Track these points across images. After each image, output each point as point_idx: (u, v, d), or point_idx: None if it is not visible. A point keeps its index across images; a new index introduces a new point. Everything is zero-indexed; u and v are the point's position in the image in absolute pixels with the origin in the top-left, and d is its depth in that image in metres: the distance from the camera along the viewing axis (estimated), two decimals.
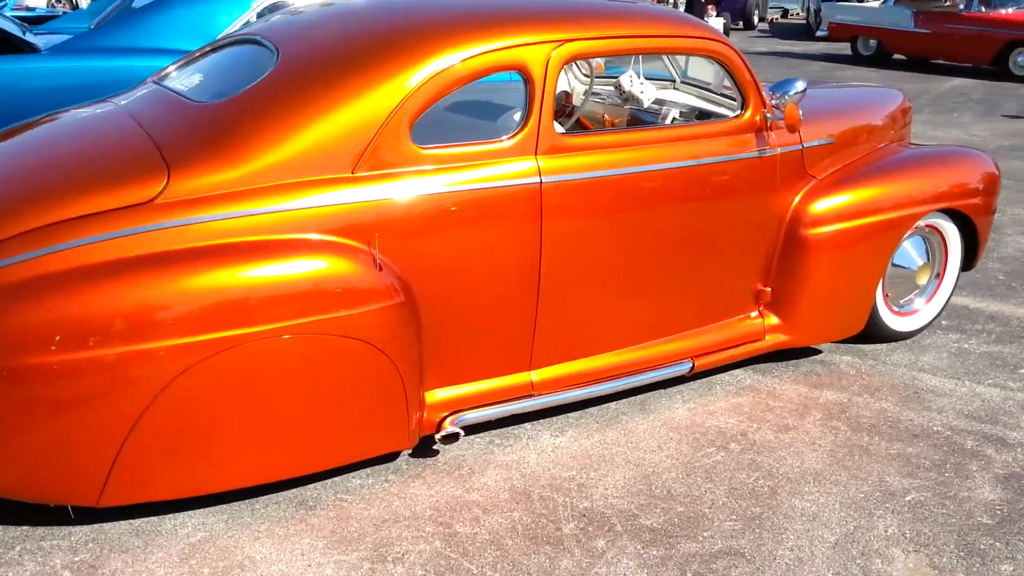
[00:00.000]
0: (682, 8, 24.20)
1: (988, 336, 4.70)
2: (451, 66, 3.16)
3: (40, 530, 2.92)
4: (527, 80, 3.31)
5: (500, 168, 3.26)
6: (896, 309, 4.56)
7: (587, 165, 3.42)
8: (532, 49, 3.30)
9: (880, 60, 18.20)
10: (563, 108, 4.55)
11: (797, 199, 4.09)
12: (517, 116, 3.36)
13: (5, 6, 9.59)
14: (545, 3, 3.67)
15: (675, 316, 3.88)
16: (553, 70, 3.34)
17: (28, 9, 10.01)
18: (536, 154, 3.32)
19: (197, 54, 3.90)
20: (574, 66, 4.78)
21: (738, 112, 3.90)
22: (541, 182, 3.31)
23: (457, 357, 3.37)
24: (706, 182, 3.77)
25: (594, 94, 4.76)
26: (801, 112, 4.11)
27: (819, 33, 20.68)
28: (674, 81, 4.73)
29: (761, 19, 26.88)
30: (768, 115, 3.91)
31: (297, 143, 3.02)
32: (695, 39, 3.74)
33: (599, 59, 4.90)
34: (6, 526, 2.93)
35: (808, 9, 25.62)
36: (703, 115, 4.32)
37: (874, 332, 4.50)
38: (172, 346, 2.76)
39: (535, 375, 3.54)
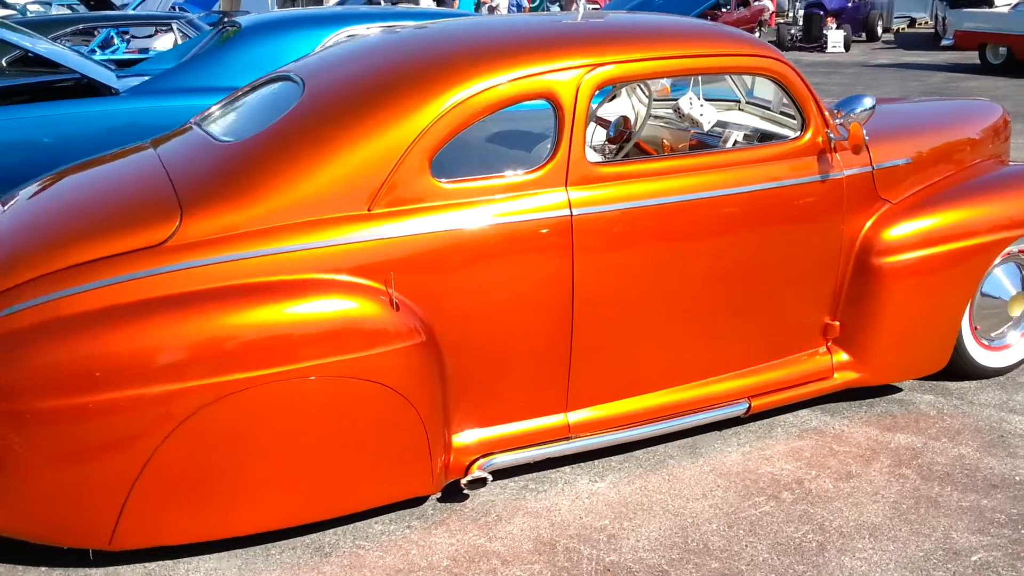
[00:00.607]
0: (800, 21, 23.53)
1: None
2: (471, 97, 3.04)
3: (57, 571, 2.92)
4: (556, 108, 3.16)
5: (526, 202, 3.12)
6: (986, 343, 4.19)
7: (624, 196, 3.24)
8: (560, 75, 3.15)
9: (1011, 69, 17.17)
10: (622, 133, 4.37)
11: (868, 225, 3.79)
12: (548, 146, 3.21)
13: (117, 49, 10.04)
14: (578, 26, 3.53)
15: (730, 353, 3.64)
16: (584, 96, 3.18)
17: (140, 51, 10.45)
18: (566, 185, 3.17)
19: (239, 93, 3.91)
20: (637, 89, 4.60)
21: (798, 133, 3.65)
22: (572, 215, 3.15)
23: (486, 399, 3.23)
24: (761, 209, 3.53)
25: (657, 118, 4.56)
26: (873, 130, 3.84)
27: (944, 42, 19.72)
28: (739, 102, 4.48)
29: (886, 29, 25.83)
30: (831, 135, 3.64)
31: (312, 181, 2.95)
32: (744, 56, 3.52)
33: (664, 81, 4.70)
34: (26, 567, 2.94)
35: (936, 17, 24.53)
36: (767, 137, 4.07)
37: (961, 368, 4.14)
38: (180, 389, 2.72)
39: (572, 417, 3.37)
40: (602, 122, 4.56)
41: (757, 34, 24.92)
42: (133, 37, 11.32)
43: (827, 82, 16.04)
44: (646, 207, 3.28)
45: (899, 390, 4.10)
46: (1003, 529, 3.07)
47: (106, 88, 5.50)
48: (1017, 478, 3.38)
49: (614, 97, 4.77)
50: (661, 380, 3.52)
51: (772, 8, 27.68)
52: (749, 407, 3.64)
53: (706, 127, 4.18)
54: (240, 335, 2.76)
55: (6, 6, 23.04)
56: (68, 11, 19.43)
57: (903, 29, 27.20)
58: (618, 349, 3.37)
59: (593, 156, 3.36)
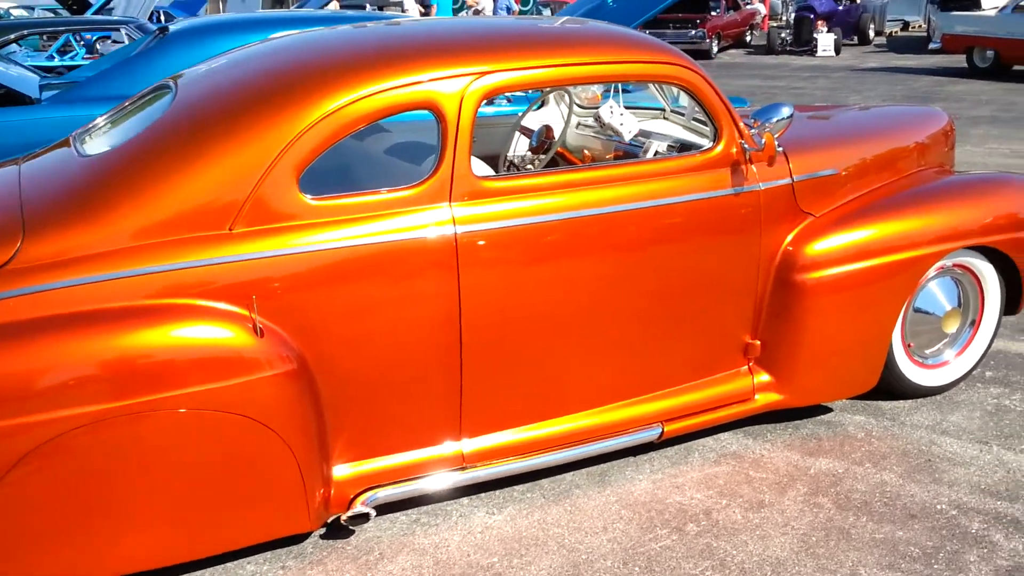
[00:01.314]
0: (791, 25, 23.32)
1: None
2: (343, 107, 2.86)
3: None
4: (439, 119, 2.98)
5: (405, 219, 2.93)
6: (920, 361, 4.00)
7: (514, 212, 3.06)
8: (443, 84, 2.97)
9: (998, 73, 17.00)
10: (543, 143, 4.19)
11: (789, 239, 3.61)
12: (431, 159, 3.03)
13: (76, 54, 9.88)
14: (466, 32, 3.35)
15: (641, 375, 3.46)
16: (470, 106, 3.00)
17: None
18: (450, 201, 2.99)
19: (124, 104, 3.73)
20: (565, 96, 4.41)
21: (709, 145, 3.46)
22: (456, 233, 2.97)
23: (370, 428, 3.05)
24: (669, 224, 3.35)
25: (587, 127, 4.38)
26: (798, 140, 3.68)
27: (932, 46, 19.52)
28: (663, 110, 4.30)
29: (878, 33, 25.64)
30: (746, 146, 3.46)
31: (169, 199, 2.77)
32: (648, 64, 3.33)
33: (595, 88, 4.52)
34: None
35: (929, 20, 24.35)
36: (690, 148, 3.89)
37: (895, 388, 3.95)
38: (20, 424, 2.53)
39: (467, 446, 3.18)
40: (525, 131, 4.38)
41: (749, 38, 24.78)
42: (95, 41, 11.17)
43: (811, 87, 15.87)
44: (538, 224, 3.10)
45: (829, 410, 3.91)
46: (915, 564, 2.88)
47: (25, 97, 5.33)
48: (938, 506, 3.19)
49: (543, 104, 4.59)
50: (566, 405, 3.34)
51: (765, 12, 27.48)
52: (662, 432, 3.46)
53: (627, 137, 4.00)
54: (83, 365, 2.57)
55: None
56: (52, 15, 19.25)
57: (896, 32, 27.03)
58: (515, 373, 3.19)
59: (483, 170, 3.17)
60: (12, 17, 23.56)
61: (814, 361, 3.66)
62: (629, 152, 3.98)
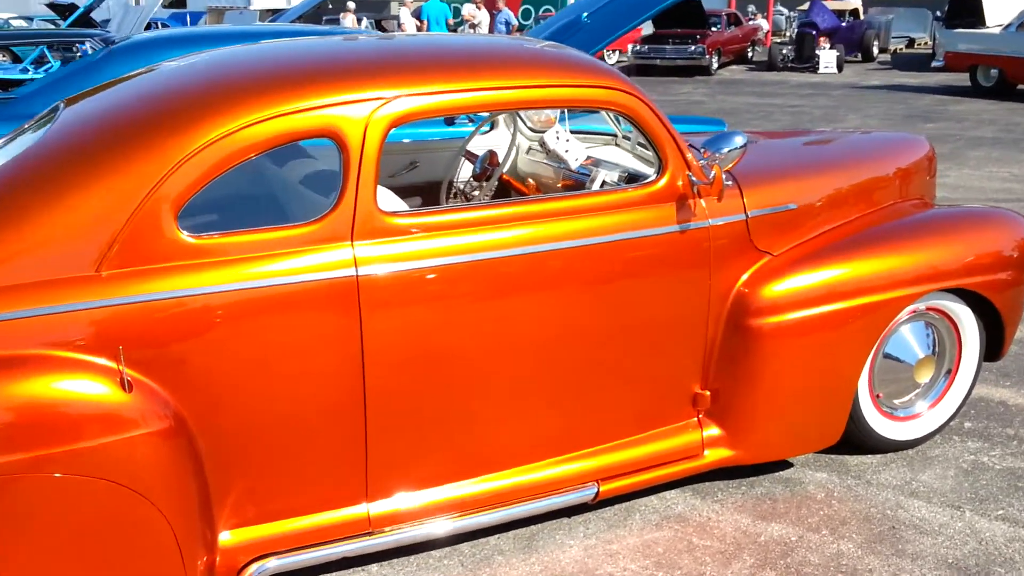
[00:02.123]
0: (792, 41, 23.03)
1: (1019, 445, 3.74)
2: (228, 135, 2.56)
3: None
4: (341, 148, 2.68)
5: (300, 260, 2.63)
6: (890, 412, 3.67)
7: (426, 252, 2.76)
8: (345, 110, 2.67)
9: (1002, 92, 16.65)
10: (486, 170, 3.89)
11: (742, 280, 3.30)
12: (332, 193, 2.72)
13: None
14: (378, 53, 3.06)
15: (574, 429, 3.14)
16: (376, 134, 2.69)
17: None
18: (352, 240, 2.68)
19: (25, 126, 3.43)
20: (517, 119, 4.11)
21: (652, 177, 3.15)
22: (357, 275, 2.66)
23: (262, 490, 2.74)
24: (605, 265, 3.04)
25: (538, 152, 4.07)
26: (754, 172, 3.38)
27: (935, 64, 19.18)
28: (615, 136, 3.99)
29: (883, 50, 25.30)
30: (693, 179, 3.15)
31: (29, 237, 2.47)
32: (582, 88, 3.02)
33: (550, 112, 4.21)
34: None
35: (934, 38, 24.03)
36: (638, 179, 3.57)
37: (862, 441, 3.63)
38: None
39: (373, 508, 2.87)
40: (470, 156, 4.08)
41: (750, 54, 24.50)
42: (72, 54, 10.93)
43: (809, 104, 15.57)
44: (453, 264, 2.79)
45: (788, 465, 3.59)
46: None
47: None
48: None
49: (493, 127, 4.30)
50: (488, 462, 3.02)
51: (768, 27, 27.22)
52: (597, 493, 3.14)
53: (573, 164, 3.69)
54: None
55: None
56: (51, 27, 19.05)
57: (901, 49, 26.70)
58: (428, 428, 2.88)
59: (392, 204, 2.87)
60: (10, 28, 23.44)
61: (770, 413, 3.34)
62: (577, 181, 3.68)
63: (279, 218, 2.70)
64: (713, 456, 3.33)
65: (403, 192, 4.18)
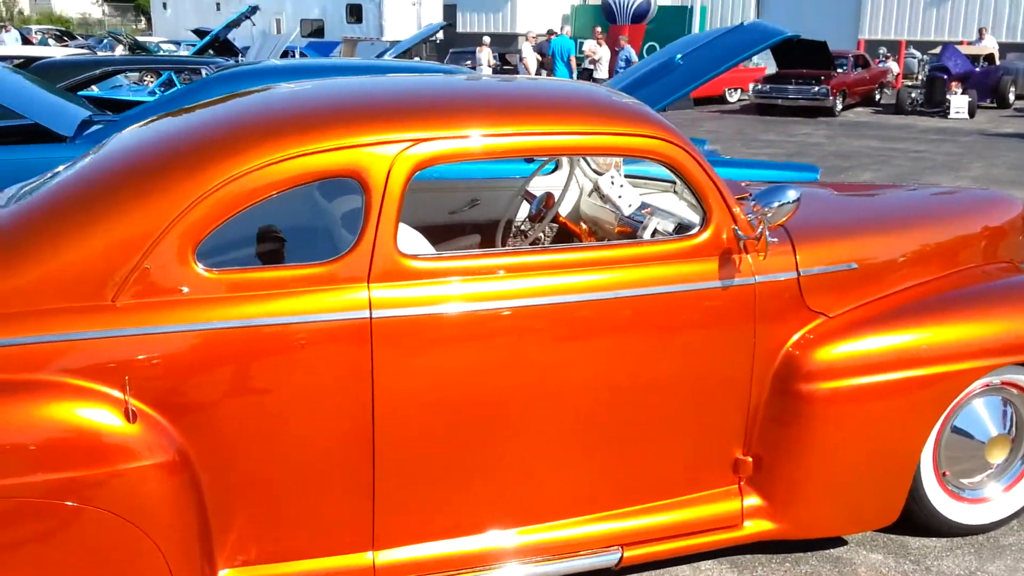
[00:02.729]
0: (922, 85, 22.19)
1: None
2: (247, 173, 2.55)
3: None
4: (363, 188, 2.64)
5: (314, 299, 2.59)
6: (957, 493, 3.39)
7: (445, 297, 2.69)
8: (369, 150, 2.63)
9: None
10: (540, 212, 3.81)
11: (791, 342, 3.11)
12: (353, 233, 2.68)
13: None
14: (409, 93, 3.01)
15: (598, 488, 3.01)
16: (400, 176, 2.64)
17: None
18: (369, 282, 2.63)
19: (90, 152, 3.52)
20: (582, 161, 4.02)
21: (696, 229, 3.01)
22: (371, 317, 2.61)
23: (265, 531, 2.70)
24: (640, 319, 2.91)
25: (602, 196, 3.96)
26: (812, 228, 3.21)
27: None
28: (675, 183, 3.85)
29: (1020, 96, 24.11)
30: (740, 234, 2.99)
31: (46, 264, 2.51)
32: (620, 136, 2.91)
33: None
34: None
35: None
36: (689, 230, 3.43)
37: (925, 522, 3.36)
38: None
39: (380, 557, 2.79)
40: (528, 197, 4.01)
41: (878, 97, 23.71)
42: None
43: (933, 150, 14.93)
44: (474, 312, 2.71)
45: (842, 543, 3.35)
46: None
47: (57, 135, 5.28)
48: None
49: (557, 167, 4.22)
50: (502, 517, 2.91)
51: (898, 70, 26.32)
52: (620, 559, 2.99)
53: (625, 211, 3.58)
54: None
55: (139, 45, 24.10)
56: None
57: None
58: (439, 478, 2.79)
59: (415, 246, 2.80)
60: (161, 51, 24.72)
61: (819, 486, 3.13)
62: (632, 227, 3.55)
63: (297, 256, 2.68)
64: (754, 528, 3.14)
65: (461, 230, 4.15)
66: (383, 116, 2.74)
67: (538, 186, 4.08)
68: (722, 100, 23.22)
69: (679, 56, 6.49)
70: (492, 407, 2.78)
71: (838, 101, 21.14)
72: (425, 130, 2.70)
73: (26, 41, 24.23)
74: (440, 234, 4.13)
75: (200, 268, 2.53)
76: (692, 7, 28.11)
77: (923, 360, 3.14)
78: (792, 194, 3.01)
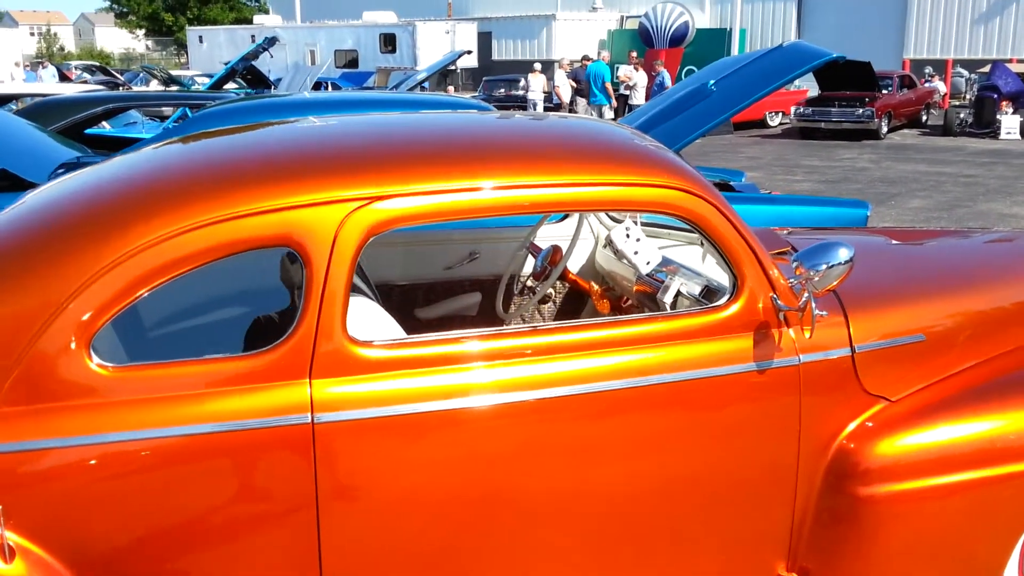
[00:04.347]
0: (971, 105, 21.39)
1: None
2: (155, 244, 2.04)
3: None
4: (302, 260, 2.12)
5: (240, 401, 2.07)
6: None
7: (406, 394, 2.15)
8: (308, 213, 2.11)
9: None
10: (544, 269, 3.27)
11: (846, 434, 2.54)
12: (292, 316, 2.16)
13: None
14: (371, 140, 2.49)
15: None
16: (348, 243, 2.12)
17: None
18: (310, 377, 2.11)
19: None
20: None
21: (726, 298, 2.45)
22: (313, 422, 2.09)
23: None
24: (655, 414, 2.36)
25: (616, 251, 3.41)
26: (865, 289, 2.63)
27: None
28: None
29: None
30: (779, 303, 2.43)
31: None
32: (627, 187, 2.36)
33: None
34: None
35: None
36: (717, 294, 2.85)
37: None
38: None
39: None
40: (534, 250, 3.48)
41: (925, 118, 22.91)
42: None
43: (985, 174, 14.17)
44: (443, 411, 2.17)
45: None
46: None
47: (27, 182, 4.86)
48: None
49: (566, 215, 3.68)
50: None
51: (945, 90, 25.48)
52: None
53: (643, 269, 3.03)
54: None
55: (172, 79, 24.05)
56: (236, 86, 19.73)
57: None
58: None
59: (372, 329, 2.27)
60: (195, 85, 24.64)
61: None
62: (652, 287, 3.01)
63: (221, 347, 2.16)
64: None
65: (460, 287, 3.63)
66: (330, 168, 2.23)
67: (546, 236, 3.55)
68: (763, 124, 22.56)
69: (712, 82, 5.93)
70: (471, 527, 2.24)
71: (883, 123, 20.40)
72: (383, 185, 2.18)
73: (63, 77, 24.27)
74: (435, 293, 3.62)
75: (95, 364, 2.02)
76: (731, 29, 27.53)
77: (1011, 454, 2.54)
78: (843, 253, 2.44)
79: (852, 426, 2.55)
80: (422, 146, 2.42)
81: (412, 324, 3.62)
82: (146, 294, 2.03)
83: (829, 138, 19.99)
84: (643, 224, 3.32)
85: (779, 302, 2.43)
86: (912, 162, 16.01)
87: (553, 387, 2.25)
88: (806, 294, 2.40)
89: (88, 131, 8.23)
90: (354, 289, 2.48)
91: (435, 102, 5.37)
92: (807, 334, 2.42)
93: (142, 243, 2.03)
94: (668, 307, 2.85)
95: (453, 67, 26.66)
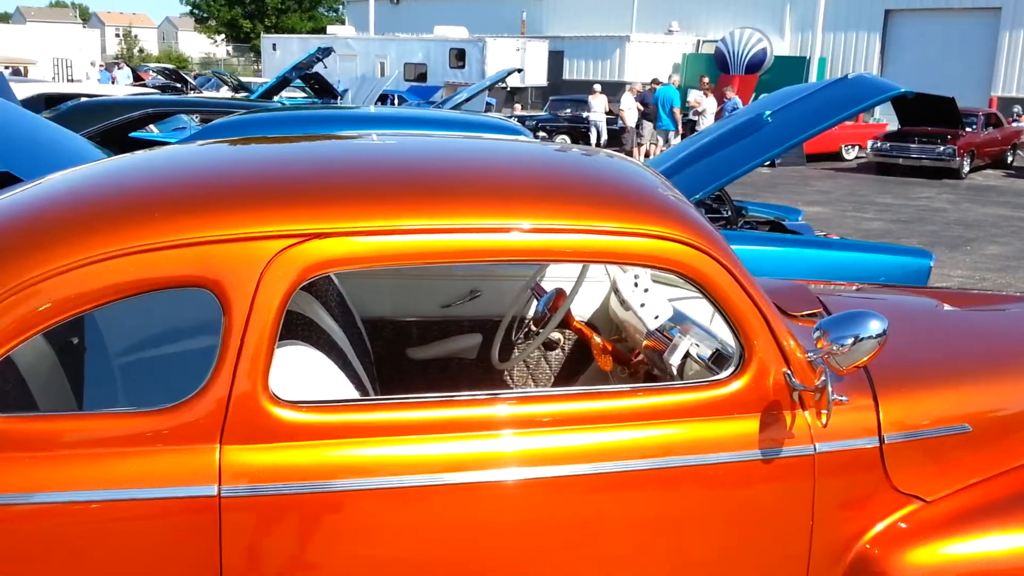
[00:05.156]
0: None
1: None
2: (42, 280, 1.75)
3: None
4: (219, 304, 1.81)
5: (135, 465, 1.77)
6: None
7: (335, 466, 1.83)
8: (227, 249, 1.81)
9: None
10: (544, 315, 2.93)
11: (867, 538, 2.14)
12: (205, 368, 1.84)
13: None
14: (323, 167, 2.17)
15: None
16: (277, 286, 1.81)
17: None
18: (221, 441, 1.79)
19: None
20: None
21: (730, 371, 2.08)
22: (220, 496, 1.77)
23: None
24: (638, 507, 1.99)
25: (623, 302, 3.05)
26: (892, 366, 2.23)
27: None
28: None
29: None
30: (793, 381, 2.05)
31: None
32: (611, 236, 1.99)
33: None
34: None
35: None
36: (725, 360, 2.46)
37: None
38: None
39: None
40: (539, 291, 3.13)
41: (1010, 159, 21.97)
42: None
43: None
44: (382, 490, 1.84)
45: None
46: None
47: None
48: None
49: None
50: None
51: None
52: None
53: (650, 324, 2.66)
54: None
55: (242, 86, 24.25)
56: (303, 95, 19.71)
57: None
58: None
59: (301, 389, 1.94)
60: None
61: None
62: (663, 344, 2.64)
63: (120, 401, 1.86)
64: None
65: (458, 327, 3.30)
66: (263, 197, 1.92)
67: (555, 276, 3.21)
68: (837, 157, 21.84)
69: (768, 113, 5.52)
70: None
71: (965, 162, 19.57)
72: (324, 220, 1.86)
73: (138, 78, 24.66)
74: (430, 332, 3.30)
75: None
76: (811, 58, 26.85)
77: None
78: (875, 325, 2.04)
79: (878, 528, 2.16)
80: (381, 177, 2.09)
81: (404, 364, 3.30)
82: (28, 338, 1.74)
83: (906, 175, 19.23)
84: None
85: (793, 379, 2.05)
86: (993, 205, 15.25)
87: (516, 466, 1.90)
88: (824, 375, 2.02)
89: (133, 134, 8.12)
90: (304, 332, 2.17)
91: (455, 121, 5.06)
92: (822, 420, 2.03)
93: (35, 276, 1.74)
94: (675, 370, 2.49)
95: (520, 85, 26.44)
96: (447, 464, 1.87)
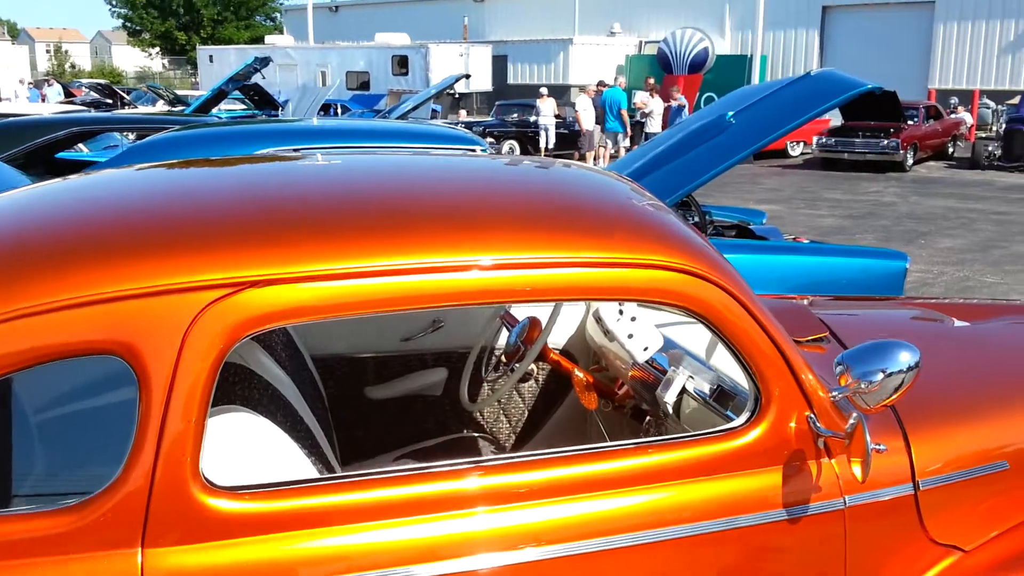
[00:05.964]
0: (1000, 137, 20.67)
1: None
2: None
3: None
4: (135, 375, 1.47)
5: (49, 571, 1.43)
6: None
7: (283, 567, 1.50)
8: (144, 304, 1.47)
9: None
10: (517, 348, 2.62)
11: None
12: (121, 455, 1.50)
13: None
14: (258, 200, 1.84)
15: None
16: (205, 348, 1.48)
17: None
18: (143, 543, 1.46)
19: None
20: None
21: (745, 419, 1.79)
22: None
23: None
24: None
25: (606, 332, 2.75)
26: (923, 402, 1.96)
27: None
28: None
29: None
30: (817, 426, 1.77)
31: None
32: (601, 268, 1.68)
33: None
34: None
35: None
36: (731, 399, 2.17)
37: None
38: None
39: None
40: (509, 320, 2.83)
41: (951, 150, 22.19)
42: None
43: (1019, 212, 13.43)
44: None
45: None
46: None
47: None
48: None
49: None
50: None
51: (972, 121, 24.75)
52: None
53: (640, 357, 2.37)
54: None
55: (179, 99, 23.60)
56: (242, 106, 19.13)
57: None
58: None
59: (238, 473, 1.61)
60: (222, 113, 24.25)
61: None
62: (652, 376, 2.35)
63: (15, 498, 1.52)
64: None
65: (420, 362, 2.99)
66: (184, 240, 1.58)
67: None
68: (784, 154, 21.86)
69: (731, 114, 5.28)
70: None
71: (909, 155, 19.69)
72: (259, 265, 1.53)
73: (69, 95, 23.88)
74: (389, 368, 2.98)
75: None
76: (752, 56, 26.93)
77: None
78: (906, 357, 1.77)
79: None
80: (332, 209, 1.76)
81: (361, 405, 2.97)
82: None
83: (852, 170, 19.30)
84: None
85: (818, 424, 1.77)
86: (940, 197, 15.29)
87: (504, 550, 1.59)
88: (854, 416, 1.74)
89: (60, 155, 7.68)
90: (243, 392, 1.84)
91: (406, 132, 4.73)
92: (857, 470, 1.75)
93: None
94: (670, 408, 2.20)
95: (465, 91, 26.09)
96: (422, 552, 1.55)
